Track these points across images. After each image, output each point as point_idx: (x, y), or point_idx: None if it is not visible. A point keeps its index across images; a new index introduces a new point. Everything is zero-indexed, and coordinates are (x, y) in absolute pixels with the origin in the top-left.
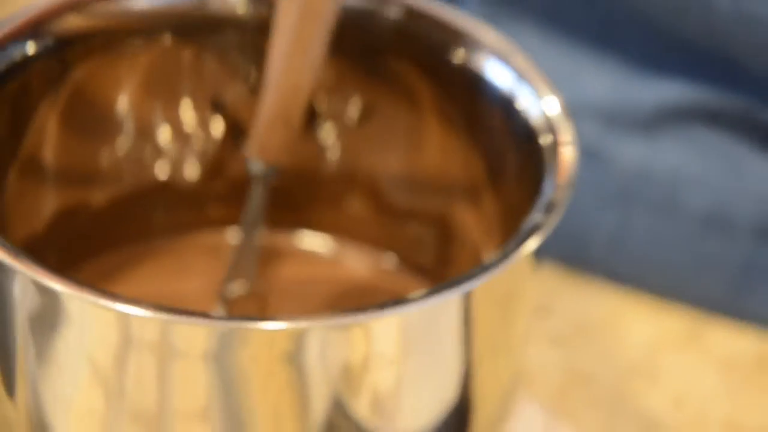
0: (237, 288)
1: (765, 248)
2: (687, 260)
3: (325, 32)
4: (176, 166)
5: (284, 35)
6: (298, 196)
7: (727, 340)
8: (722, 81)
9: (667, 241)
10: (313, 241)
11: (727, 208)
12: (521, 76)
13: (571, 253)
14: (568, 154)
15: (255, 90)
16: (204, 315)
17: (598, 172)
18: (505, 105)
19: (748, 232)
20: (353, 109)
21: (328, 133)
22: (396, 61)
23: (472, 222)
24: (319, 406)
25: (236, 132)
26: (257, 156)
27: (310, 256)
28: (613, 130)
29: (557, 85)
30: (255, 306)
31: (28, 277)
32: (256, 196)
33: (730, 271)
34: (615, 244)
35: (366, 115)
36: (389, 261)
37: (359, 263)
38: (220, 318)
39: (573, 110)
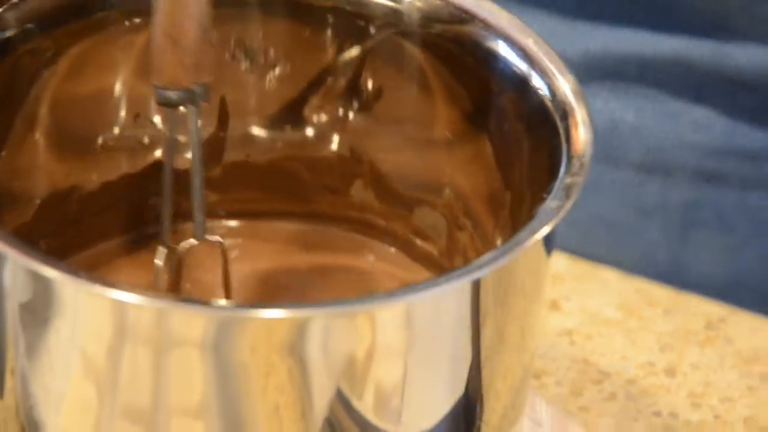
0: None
1: (702, 194)
2: (628, 210)
3: None
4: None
5: None
6: (303, 183)
7: (748, 335)
8: (652, 26)
9: (607, 191)
10: (317, 229)
11: (665, 156)
12: (533, 57)
13: None
14: (582, 135)
15: (252, 71)
16: (201, 302)
17: None
18: (516, 86)
19: (686, 178)
20: (361, 91)
21: (334, 118)
22: (405, 42)
23: (482, 209)
24: (321, 400)
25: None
26: (157, 81)
27: (314, 245)
28: None
29: None
30: (208, 255)
31: (20, 264)
32: (193, 124)
33: (670, 217)
34: None
35: (374, 97)
36: (396, 250)
37: (365, 252)
38: (217, 305)
39: None
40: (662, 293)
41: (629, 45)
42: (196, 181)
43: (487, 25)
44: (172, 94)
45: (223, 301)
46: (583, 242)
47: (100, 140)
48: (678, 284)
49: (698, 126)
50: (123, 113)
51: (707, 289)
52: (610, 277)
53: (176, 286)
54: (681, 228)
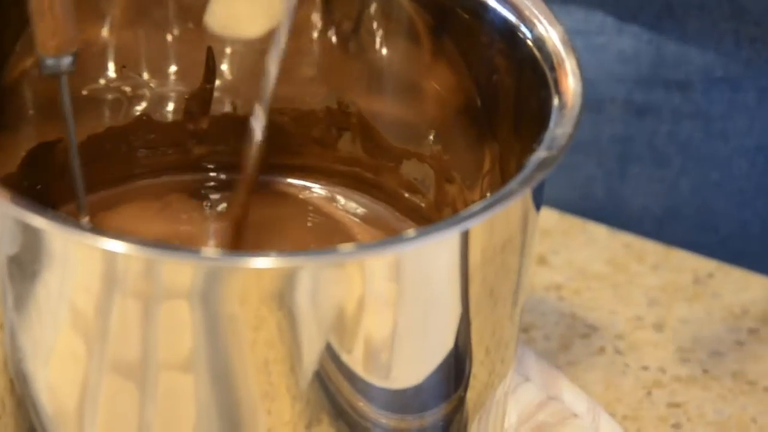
0: None
1: (635, 128)
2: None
3: None
4: (158, 102)
5: None
6: (290, 137)
7: (736, 290)
8: None
9: None
10: (306, 183)
11: (594, 90)
12: (522, 7)
13: None
14: (572, 86)
15: None
16: (190, 251)
17: None
18: (505, 37)
19: (618, 112)
20: (349, 42)
21: (321, 70)
22: None
23: (471, 161)
24: (311, 354)
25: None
26: (39, 50)
27: (303, 198)
28: None
29: None
30: None
31: (8, 215)
32: (62, 94)
33: (605, 152)
34: None
35: (362, 48)
36: (383, 203)
37: (354, 205)
38: (207, 254)
39: None
40: (650, 248)
41: None
42: (73, 154)
43: None
44: (49, 62)
45: (212, 250)
46: None
47: (86, 92)
48: (616, 219)
49: (625, 58)
50: (109, 65)
51: (644, 222)
52: (598, 232)
53: None
54: (616, 162)
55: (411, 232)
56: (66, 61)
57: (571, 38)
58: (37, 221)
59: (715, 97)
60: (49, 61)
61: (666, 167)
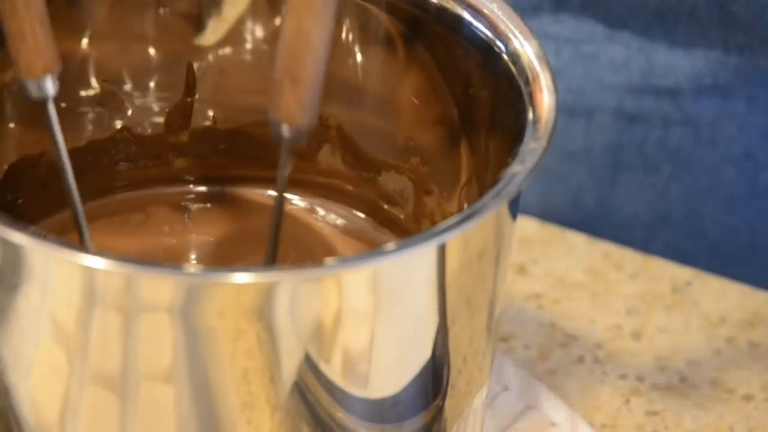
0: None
1: (626, 135)
2: (554, 154)
3: None
4: (139, 116)
5: None
6: (270, 149)
7: (713, 298)
8: None
9: None
10: (286, 195)
11: (585, 98)
12: (497, 22)
13: None
14: (547, 100)
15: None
16: (170, 267)
17: None
18: (481, 51)
19: (609, 119)
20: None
21: None
22: (372, 7)
23: (448, 173)
24: (290, 365)
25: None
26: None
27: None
28: None
29: None
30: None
31: None
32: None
33: (596, 160)
34: None
35: (340, 62)
36: (362, 215)
37: (333, 216)
38: (186, 270)
39: None
40: (629, 257)
41: None
42: (69, 178)
43: None
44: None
45: (191, 267)
46: None
47: (66, 105)
48: (606, 226)
49: (615, 66)
50: (90, 79)
51: (634, 229)
52: (577, 240)
53: None
54: (607, 170)
55: (388, 246)
56: (50, 83)
57: (561, 47)
58: (17, 237)
59: (705, 105)
60: (33, 85)
61: (656, 174)
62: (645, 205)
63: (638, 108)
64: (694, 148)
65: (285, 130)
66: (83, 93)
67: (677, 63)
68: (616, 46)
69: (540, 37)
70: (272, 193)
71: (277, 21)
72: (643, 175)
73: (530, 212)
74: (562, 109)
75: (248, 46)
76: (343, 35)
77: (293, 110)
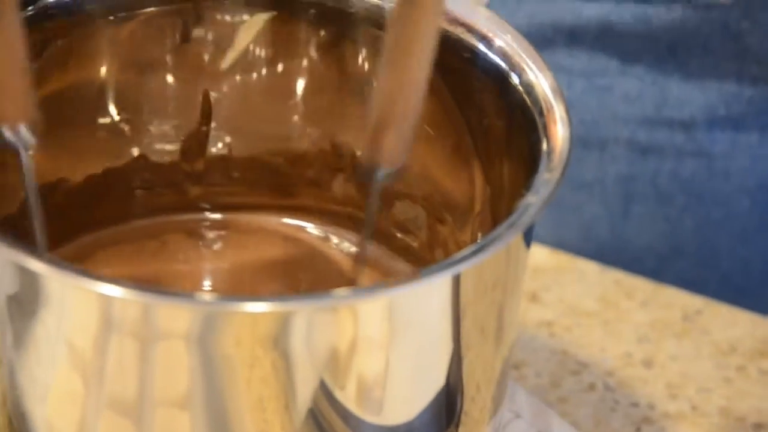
0: None
1: (638, 167)
2: (567, 185)
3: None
4: (155, 143)
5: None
6: (285, 177)
7: (724, 327)
8: None
9: None
10: (301, 223)
11: (599, 129)
12: (512, 54)
13: None
14: (560, 131)
15: (235, 66)
16: (186, 296)
17: None
18: (496, 83)
19: (622, 151)
20: (342, 85)
21: (315, 112)
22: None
23: (462, 203)
24: (305, 392)
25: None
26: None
27: (297, 239)
28: None
29: None
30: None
31: (7, 258)
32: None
33: (609, 192)
34: None
35: (355, 91)
36: (377, 243)
37: (348, 245)
38: (203, 299)
39: None
40: (640, 285)
41: (553, 15)
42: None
43: (465, 23)
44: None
45: (207, 295)
46: None
47: (84, 135)
48: (619, 258)
49: (629, 98)
50: (107, 108)
51: (646, 261)
52: (588, 269)
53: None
54: (620, 202)
55: (403, 277)
56: (27, 133)
57: (574, 80)
58: (35, 265)
59: (718, 137)
60: (8, 133)
61: (669, 206)
62: (657, 236)
63: (651, 140)
64: (707, 180)
65: (383, 173)
66: (100, 120)
67: (690, 95)
68: (629, 79)
69: (554, 69)
70: (288, 221)
71: (293, 48)
72: (656, 207)
73: (543, 242)
74: (575, 140)
75: (264, 74)
76: (359, 63)
77: (395, 153)
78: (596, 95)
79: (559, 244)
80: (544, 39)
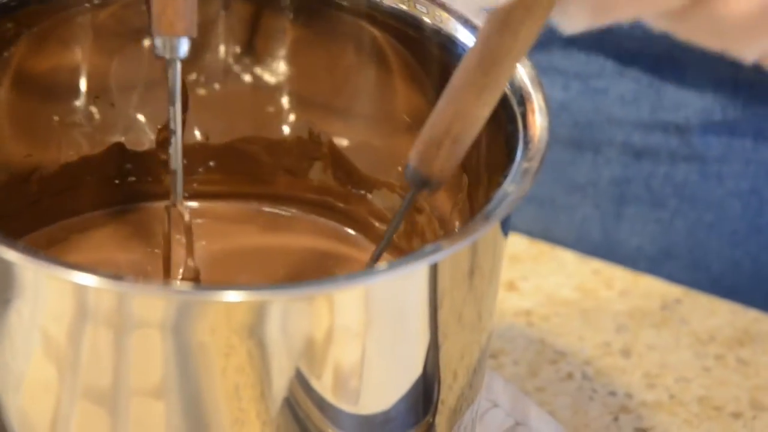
0: None
1: (632, 169)
2: (560, 187)
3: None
4: (131, 132)
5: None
6: (262, 165)
7: (702, 316)
8: None
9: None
10: (277, 211)
11: (593, 132)
12: None
13: None
14: (539, 121)
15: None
16: (161, 285)
17: None
18: None
19: (616, 154)
20: (321, 73)
21: (293, 100)
22: (366, 26)
23: (440, 192)
24: (281, 381)
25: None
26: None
27: (273, 227)
28: None
29: None
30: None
31: None
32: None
33: (602, 193)
34: None
35: (333, 79)
36: (353, 232)
37: (323, 233)
38: (178, 288)
39: None
40: (619, 274)
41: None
42: (177, 138)
43: (445, 10)
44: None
45: (182, 284)
46: (517, 220)
47: (60, 123)
48: (611, 260)
49: (624, 101)
50: (83, 96)
51: (639, 263)
52: (567, 258)
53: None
54: (613, 204)
55: (380, 266)
56: (185, 44)
57: (570, 81)
58: (9, 254)
59: (712, 141)
60: (168, 44)
61: (661, 209)
62: (650, 238)
63: (646, 143)
64: (700, 184)
65: (430, 184)
66: (76, 107)
67: (686, 99)
68: (625, 82)
69: (550, 71)
70: (265, 208)
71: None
72: (649, 209)
73: (537, 239)
74: (569, 142)
75: (242, 62)
76: (339, 53)
77: (446, 168)
78: (592, 97)
79: (551, 241)
80: (541, 40)
